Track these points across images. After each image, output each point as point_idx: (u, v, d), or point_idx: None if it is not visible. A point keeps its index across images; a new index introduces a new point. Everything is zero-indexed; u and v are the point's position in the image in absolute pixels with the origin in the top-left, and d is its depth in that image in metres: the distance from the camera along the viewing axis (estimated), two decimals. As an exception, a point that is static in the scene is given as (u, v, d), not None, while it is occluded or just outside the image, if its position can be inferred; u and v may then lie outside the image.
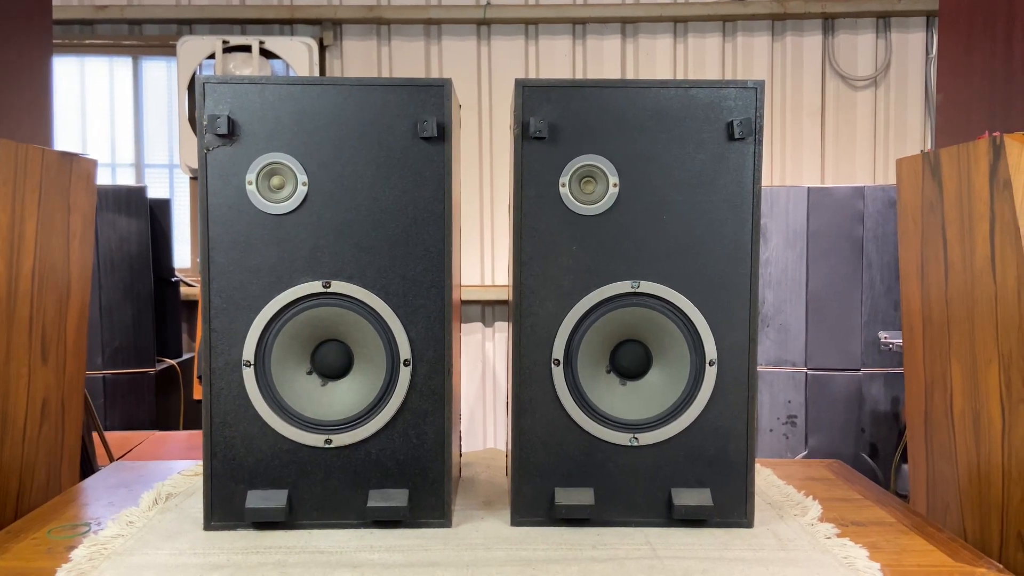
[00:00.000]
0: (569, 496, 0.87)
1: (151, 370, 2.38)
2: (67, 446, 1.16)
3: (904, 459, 1.62)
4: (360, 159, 0.86)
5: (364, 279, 0.87)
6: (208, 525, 0.87)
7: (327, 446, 0.87)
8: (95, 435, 1.35)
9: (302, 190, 0.86)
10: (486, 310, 3.03)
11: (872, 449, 2.31)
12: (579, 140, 0.86)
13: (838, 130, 3.04)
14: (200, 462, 1.11)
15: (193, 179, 3.02)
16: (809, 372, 2.28)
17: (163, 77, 3.07)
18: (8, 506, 1.01)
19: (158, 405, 2.44)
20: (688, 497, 0.87)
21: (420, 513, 0.88)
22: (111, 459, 1.43)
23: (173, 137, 3.05)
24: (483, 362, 3.03)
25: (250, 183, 0.86)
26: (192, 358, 2.65)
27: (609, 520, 0.88)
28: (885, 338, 2.22)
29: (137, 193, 2.33)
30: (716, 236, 0.87)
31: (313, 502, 0.88)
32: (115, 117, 3.08)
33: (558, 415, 0.88)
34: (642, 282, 0.87)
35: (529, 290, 0.87)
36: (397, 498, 0.87)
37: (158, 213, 2.47)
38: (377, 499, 0.87)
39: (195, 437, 2.14)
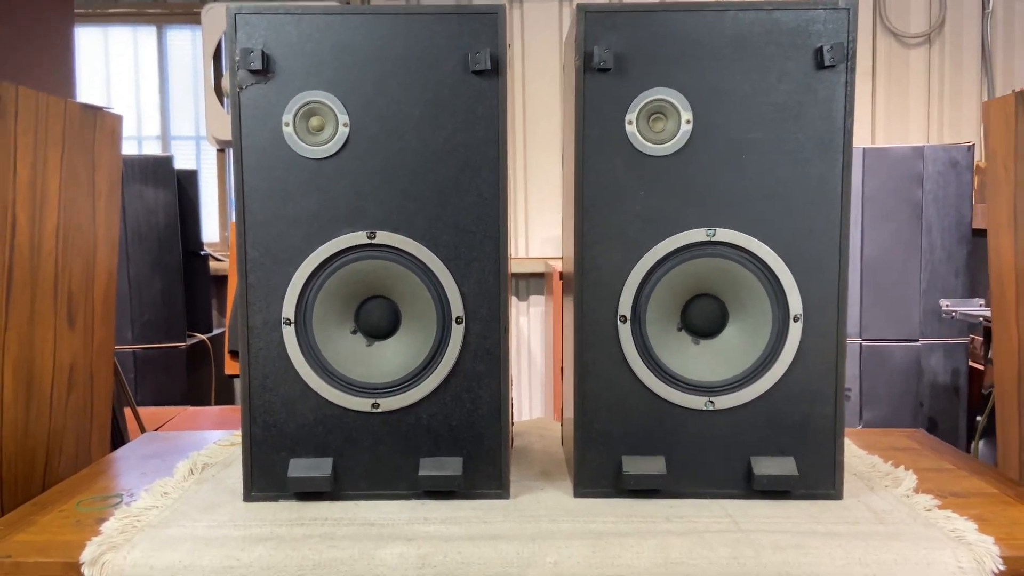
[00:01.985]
0: (638, 465, 0.80)
1: (182, 344, 2.35)
2: (97, 416, 1.11)
3: (988, 429, 1.53)
4: (406, 97, 0.79)
5: (411, 229, 0.80)
6: (248, 496, 0.82)
7: (374, 411, 0.81)
8: (126, 408, 1.30)
9: (343, 132, 0.79)
10: (520, 283, 2.96)
11: (931, 423, 2.21)
12: (648, 72, 0.78)
13: (889, 89, 2.90)
14: (236, 432, 1.06)
15: (220, 151, 2.98)
16: (864, 343, 2.19)
17: (188, 46, 3.01)
18: (35, 478, 0.96)
19: (189, 381, 2.41)
20: (770, 466, 0.80)
21: (476, 483, 0.82)
22: (143, 432, 1.38)
23: (199, 108, 3.01)
24: (517, 337, 2.97)
25: (287, 125, 0.79)
26: (223, 333, 2.62)
27: (681, 491, 0.81)
28: (947, 306, 2.11)
29: (164, 163, 2.28)
30: (802, 177, 0.79)
31: (360, 471, 0.82)
32: (140, 88, 3.03)
33: (625, 377, 0.81)
34: (718, 230, 0.79)
35: (592, 240, 0.80)
36: (451, 467, 0.81)
37: (185, 184, 2.43)
38: (429, 468, 0.81)
39: (227, 412, 2.10)
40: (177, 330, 2.36)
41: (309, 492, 0.81)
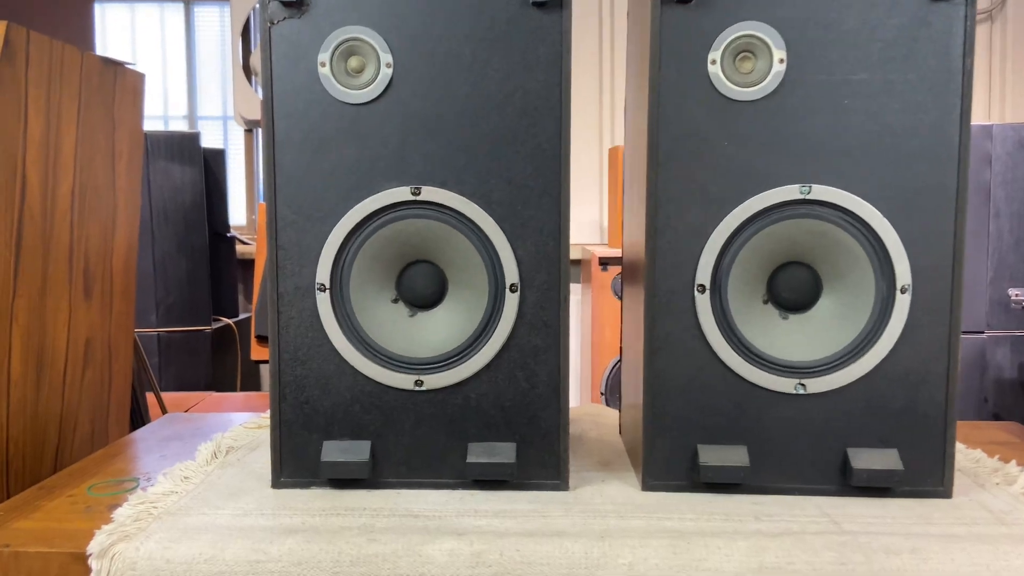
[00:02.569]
0: (717, 455, 0.71)
1: (207, 328, 2.29)
2: (115, 396, 1.04)
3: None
4: (457, 33, 0.70)
5: (461, 184, 0.71)
6: (277, 482, 0.73)
7: (417, 389, 0.72)
8: (148, 393, 1.23)
9: (386, 73, 0.70)
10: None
11: (996, 420, 2.09)
12: (735, 4, 0.69)
13: (949, 69, 2.76)
14: (264, 415, 0.98)
15: (248, 131, 2.91)
16: (925, 334, 2.06)
17: (216, 23, 2.96)
18: (45, 460, 0.89)
19: (214, 366, 2.36)
20: (870, 459, 0.70)
21: (530, 472, 0.73)
22: (165, 413, 1.31)
23: (227, 87, 2.95)
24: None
25: (323, 65, 0.70)
26: (249, 318, 2.56)
27: (765, 486, 0.72)
28: (1016, 295, 1.99)
29: (190, 140, 2.22)
30: (913, 125, 0.69)
31: (401, 456, 0.73)
32: (167, 67, 2.98)
33: (702, 355, 0.71)
34: (814, 186, 0.69)
35: (667, 198, 0.70)
36: (503, 453, 0.72)
37: (212, 163, 2.37)
38: (478, 454, 0.72)
39: (254, 399, 2.04)
40: (202, 313, 2.30)
41: (344, 479, 0.73)
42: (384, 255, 0.73)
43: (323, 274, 0.72)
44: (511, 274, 0.71)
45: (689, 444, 0.72)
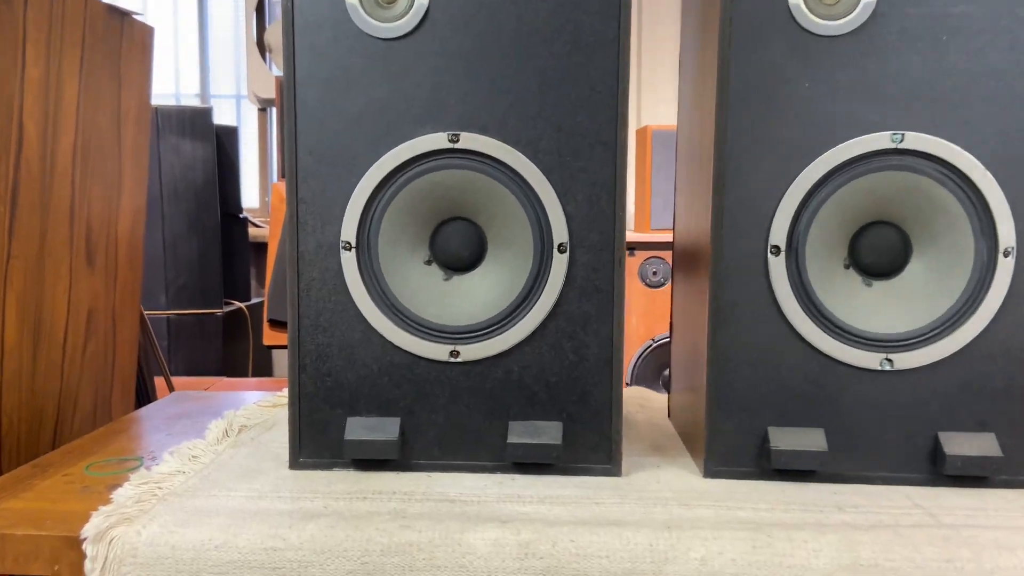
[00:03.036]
0: (790, 439, 0.63)
1: (218, 311, 2.23)
2: (119, 371, 0.97)
3: None
4: (502, -40, 0.63)
5: (504, 131, 0.64)
6: (296, 462, 0.67)
7: (453, 360, 0.65)
8: (156, 376, 1.17)
9: (421, 4, 0.63)
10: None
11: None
12: (819, -75, 0.61)
13: None
14: (280, 393, 0.91)
15: (262, 110, 2.85)
16: None
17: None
18: (43, 437, 0.83)
19: (225, 351, 2.30)
20: (965, 444, 0.62)
21: (578, 455, 0.66)
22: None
23: (240, 65, 2.89)
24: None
25: (351, -6, 0.63)
26: (262, 303, 2.50)
27: (844, 474, 0.64)
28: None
29: (202, 115, 2.16)
30: (1020, 66, 0.61)
31: (433, 435, 0.66)
32: (179, 44, 2.92)
33: (775, 326, 0.64)
34: (907, 134, 0.62)
35: (738, 147, 0.63)
36: (548, 433, 0.65)
37: (225, 142, 2.31)
38: (520, 434, 0.65)
39: (266, 384, 1.98)
40: (214, 296, 2.24)
41: (370, 460, 0.66)
42: (417, 210, 0.66)
43: (349, 231, 0.65)
44: (559, 232, 0.64)
45: (758, 426, 0.64)
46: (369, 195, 0.65)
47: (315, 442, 0.67)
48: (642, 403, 0.90)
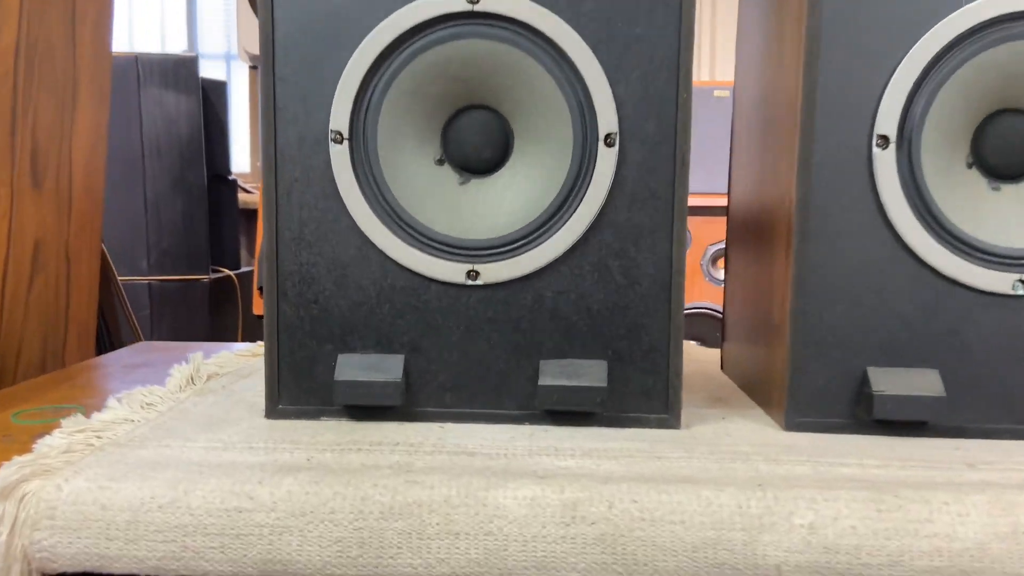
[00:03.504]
0: (897, 382, 0.51)
1: (204, 278, 2.11)
2: (75, 316, 0.85)
3: None
4: None
5: (538, -8, 0.51)
6: (273, 409, 0.54)
7: (470, 283, 0.53)
8: (121, 313, 1.04)
9: None
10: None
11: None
12: None
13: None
14: (261, 343, 0.79)
15: (253, 68, 2.72)
16: None
17: (218, -51, 2.75)
18: (-24, 383, 0.70)
19: (212, 320, 2.17)
20: (1120, 388, 0.50)
21: (627, 402, 0.53)
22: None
23: (230, 19, 2.75)
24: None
25: None
26: (251, 271, 2.38)
27: (965, 426, 0.52)
28: None
29: (186, 65, 2.03)
30: None
31: (446, 377, 0.54)
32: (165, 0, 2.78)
33: (880, 237, 0.51)
34: (1055, -10, 0.49)
35: (837, 15, 0.50)
36: (590, 374, 0.52)
37: (212, 97, 2.17)
38: (555, 375, 0.52)
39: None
40: (200, 261, 2.11)
41: (367, 407, 0.53)
42: (425, 95, 0.53)
43: (339, 119, 0.52)
44: (607, 121, 0.51)
45: (855, 367, 0.52)
46: (364, 73, 0.52)
47: (298, 385, 0.54)
48: (688, 355, 0.78)
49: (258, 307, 2.19)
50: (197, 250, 2.11)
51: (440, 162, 0.54)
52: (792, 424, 0.53)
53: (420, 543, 0.39)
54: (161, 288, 2.05)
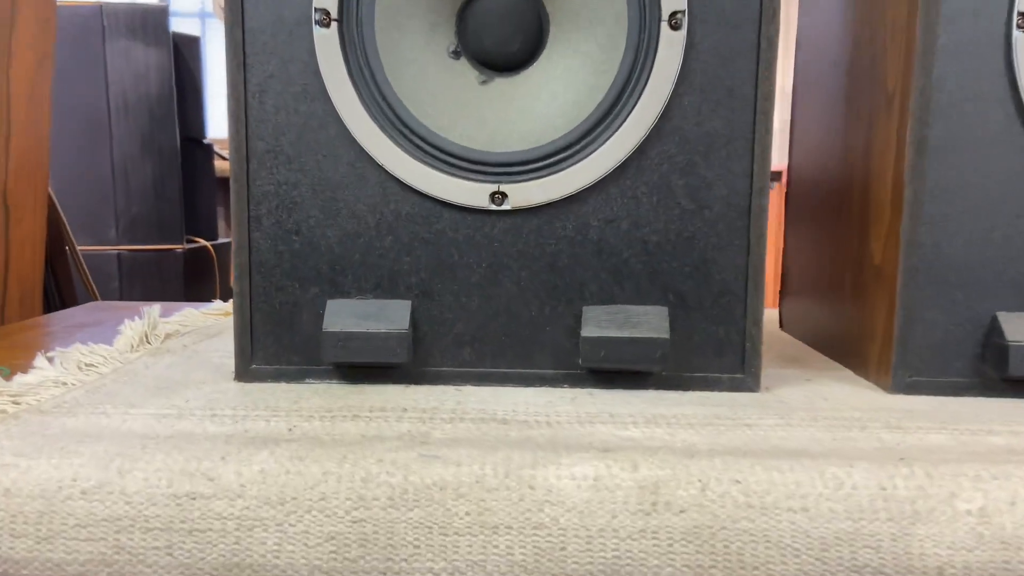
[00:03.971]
0: (1037, 328, 0.41)
1: (179, 247, 1.99)
2: (16, 272, 0.73)
3: None
4: None
5: None
6: (245, 370, 0.43)
7: (495, 208, 0.42)
8: (75, 271, 0.93)
9: None
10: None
11: None
12: None
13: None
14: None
15: (229, 27, 2.58)
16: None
17: (191, -103, 2.61)
18: None
19: (187, 294, 2.05)
20: None
21: (692, 359, 0.43)
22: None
23: (204, -26, 2.61)
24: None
25: None
26: (230, 243, 2.26)
27: (1117, 386, 0.42)
28: None
29: (156, 15, 1.90)
30: None
31: (464, 327, 0.43)
32: (134, -50, 2.63)
33: (1017, 147, 0.41)
34: None
35: None
36: (646, 323, 0.42)
37: (184, 52, 2.04)
38: (602, 324, 0.42)
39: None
40: (173, 230, 1.99)
41: (366, 365, 0.43)
42: (438, -33, 0.42)
43: (328, -4, 0.41)
44: (670, -1, 0.41)
45: (981, 313, 0.42)
46: (362, -64, 0.41)
47: (276, 339, 0.43)
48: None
49: (237, 279, 2.07)
50: (170, 218, 1.98)
51: (456, 54, 0.43)
52: (901, 385, 0.42)
53: (444, 541, 0.29)
54: (131, 258, 1.93)
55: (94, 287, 0.91)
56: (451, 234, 0.43)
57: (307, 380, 0.44)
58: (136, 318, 0.55)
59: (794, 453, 0.32)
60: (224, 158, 2.50)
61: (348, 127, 0.42)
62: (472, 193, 0.42)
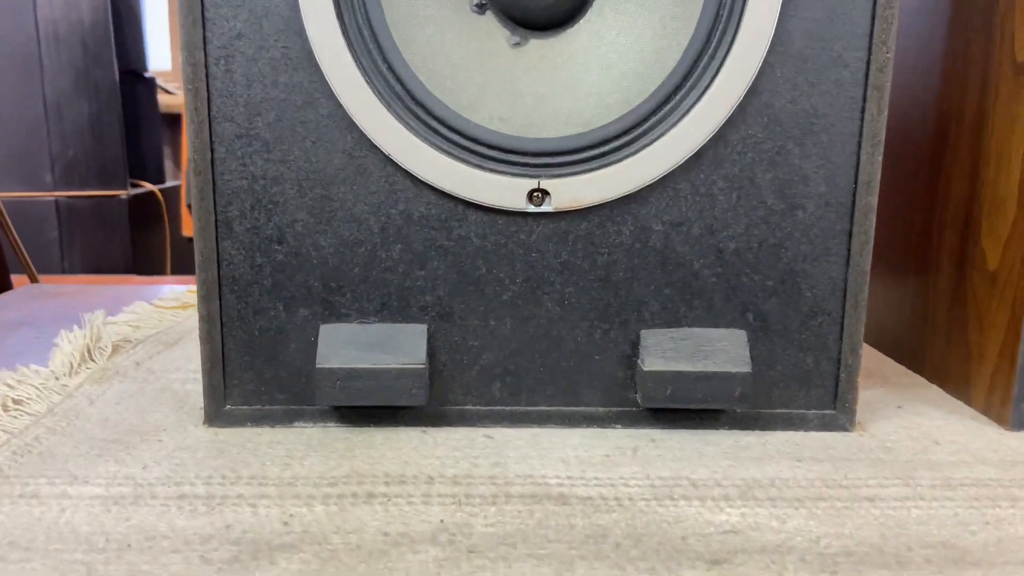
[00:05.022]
0: None
1: (122, 193, 1.85)
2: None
3: None
4: None
5: None
6: (216, 412, 0.35)
7: (534, 210, 0.34)
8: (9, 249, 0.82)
9: None
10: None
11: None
12: None
13: None
14: (192, 287, 0.59)
15: (169, -56, 2.38)
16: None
17: None
18: None
19: (135, 244, 1.93)
20: None
21: (773, 391, 0.36)
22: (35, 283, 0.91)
23: None
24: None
25: None
26: (179, 186, 2.13)
27: None
28: None
29: (86, -68, 1.72)
30: None
31: (493, 356, 0.35)
32: None
33: None
34: None
35: None
36: (722, 352, 0.34)
37: (120, -25, 1.87)
38: (668, 353, 0.34)
39: (189, 284, 1.64)
40: (115, 174, 1.85)
41: (372, 407, 0.34)
42: None
43: (314, -72, 0.31)
44: (762, -62, 0.32)
45: (1124, 333, 0.35)
46: None
47: (255, 372, 0.35)
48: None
49: (188, 227, 1.96)
50: (112, 160, 1.84)
51: (480, 7, 0.34)
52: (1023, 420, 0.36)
53: None
54: (70, 206, 1.80)
55: (30, 262, 0.81)
56: (477, 241, 0.34)
57: (296, 423, 0.35)
58: (75, 326, 0.45)
59: (953, 557, 0.25)
60: (168, 91, 2.35)
61: (344, 104, 0.33)
62: (505, 191, 0.33)
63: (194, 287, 0.62)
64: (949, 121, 0.41)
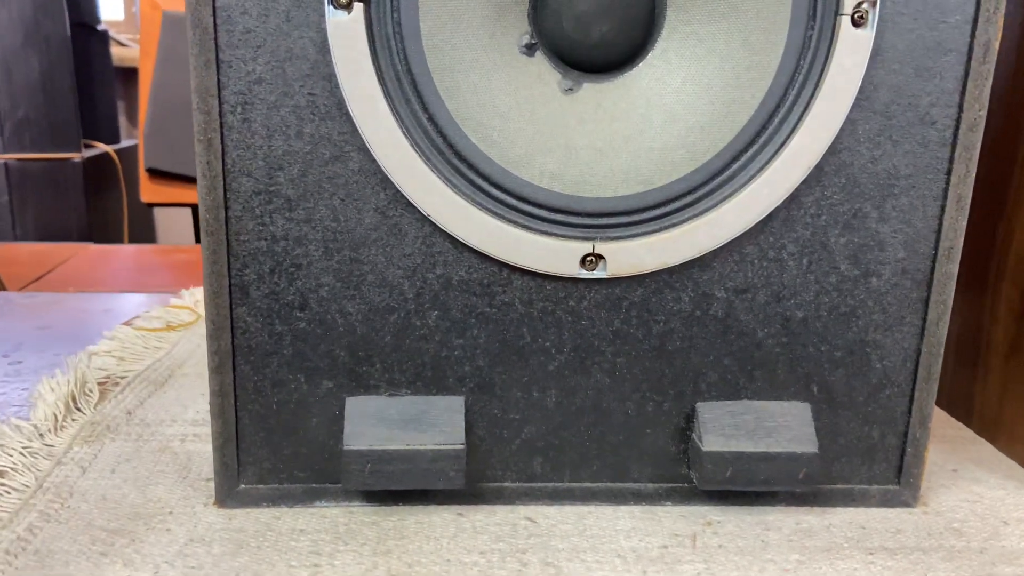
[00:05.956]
0: None
1: (76, 156, 1.77)
2: None
3: None
4: None
5: None
6: (230, 492, 0.32)
7: (587, 275, 0.31)
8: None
9: None
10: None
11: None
12: None
13: None
14: (178, 298, 0.56)
15: None
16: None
17: None
18: None
19: (90, 210, 1.85)
20: None
21: (834, 467, 0.34)
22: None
23: None
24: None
25: None
26: (136, 146, 2.04)
27: None
28: None
29: None
30: None
31: (535, 431, 0.33)
32: None
33: None
34: None
35: None
36: (785, 428, 0.32)
37: (69, -82, 1.76)
38: (728, 430, 0.32)
39: (148, 255, 1.57)
40: (68, 135, 1.77)
41: (403, 490, 0.32)
42: (510, -85, 0.29)
43: (347, -42, 0.28)
44: (850, -20, 0.29)
45: None
46: None
47: (273, 449, 0.32)
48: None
49: (146, 193, 1.88)
50: (64, 120, 1.76)
51: (529, 48, 0.30)
52: (1092, 497, 0.34)
53: None
54: (21, 169, 1.72)
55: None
56: (522, 308, 0.31)
57: (317, 503, 0.33)
58: (56, 370, 0.42)
59: None
60: (122, 43, 2.25)
61: (378, 159, 0.29)
62: (556, 255, 0.30)
63: (173, 295, 0.58)
64: (1014, 164, 0.39)
